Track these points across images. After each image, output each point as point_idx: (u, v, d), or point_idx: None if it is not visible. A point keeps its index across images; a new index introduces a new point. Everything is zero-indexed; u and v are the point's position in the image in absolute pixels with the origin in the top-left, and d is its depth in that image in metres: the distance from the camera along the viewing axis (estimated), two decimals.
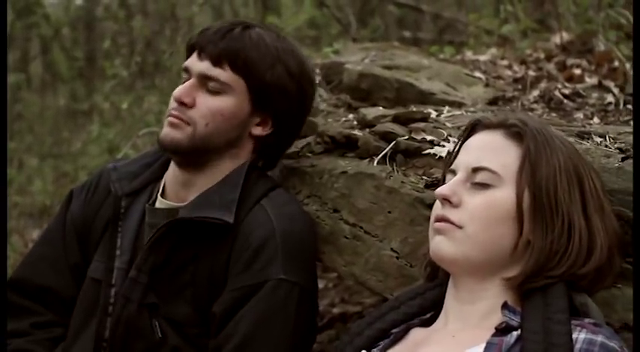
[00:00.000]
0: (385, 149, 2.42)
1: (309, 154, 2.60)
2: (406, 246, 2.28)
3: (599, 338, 1.74)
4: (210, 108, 2.32)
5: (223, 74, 2.32)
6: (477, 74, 3.19)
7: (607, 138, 2.25)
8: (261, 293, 2.23)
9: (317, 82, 2.51)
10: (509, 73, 3.26)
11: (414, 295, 2.01)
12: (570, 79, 3.06)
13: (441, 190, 1.90)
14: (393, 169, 2.38)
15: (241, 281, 2.25)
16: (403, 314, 1.98)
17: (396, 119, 2.53)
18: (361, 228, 2.38)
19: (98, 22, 8.87)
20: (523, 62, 3.39)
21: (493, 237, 1.86)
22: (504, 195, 1.86)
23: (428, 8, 6.97)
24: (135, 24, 8.19)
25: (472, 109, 2.75)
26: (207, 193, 2.33)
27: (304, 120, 2.49)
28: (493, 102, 2.91)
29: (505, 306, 1.84)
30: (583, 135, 2.27)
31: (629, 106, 2.75)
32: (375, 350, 1.94)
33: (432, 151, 2.36)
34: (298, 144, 2.66)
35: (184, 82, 2.35)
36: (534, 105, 2.84)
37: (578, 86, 2.96)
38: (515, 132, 1.90)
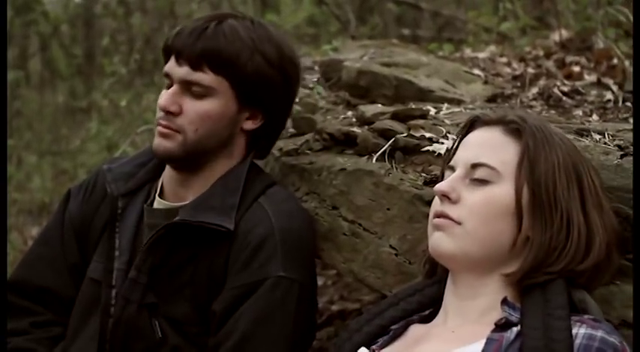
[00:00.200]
0: (384, 146, 2.42)
1: (308, 151, 2.60)
2: (405, 242, 2.28)
3: (599, 333, 1.75)
4: (197, 113, 2.30)
5: (205, 77, 2.29)
6: (476, 71, 3.19)
7: (606, 135, 2.25)
8: (261, 291, 2.23)
9: (301, 63, 2.47)
10: (508, 70, 3.27)
11: (413, 292, 2.01)
12: (569, 76, 3.06)
13: (439, 186, 1.90)
14: (392, 166, 2.38)
15: (241, 279, 2.25)
16: (402, 311, 1.98)
17: (394, 116, 2.53)
18: (360, 225, 2.38)
19: (97, 19, 8.87)
20: (522, 59, 3.39)
21: (492, 233, 1.86)
22: (503, 191, 1.86)
23: (427, 6, 6.96)
24: (134, 21, 8.19)
25: (471, 106, 2.75)
26: (206, 195, 2.33)
27: (292, 103, 2.47)
28: (492, 99, 2.91)
29: (505, 302, 1.85)
30: (582, 133, 2.27)
31: (628, 104, 2.75)
32: (374, 346, 1.95)
33: (430, 148, 2.36)
34: (297, 141, 2.66)
35: (167, 87, 2.34)
36: (533, 103, 2.84)
37: (577, 83, 2.96)
38: (514, 129, 1.91)
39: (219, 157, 2.37)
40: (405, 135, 2.43)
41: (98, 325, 2.36)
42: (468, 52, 3.74)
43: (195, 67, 2.29)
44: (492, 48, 3.81)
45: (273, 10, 6.30)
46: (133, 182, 2.45)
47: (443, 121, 2.52)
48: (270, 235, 2.27)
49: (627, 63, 3.03)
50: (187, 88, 2.30)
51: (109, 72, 6.62)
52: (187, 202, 2.35)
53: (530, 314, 1.79)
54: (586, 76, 3.05)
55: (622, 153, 2.09)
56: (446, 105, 2.73)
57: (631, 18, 3.24)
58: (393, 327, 1.97)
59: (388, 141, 2.43)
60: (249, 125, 2.37)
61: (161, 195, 2.42)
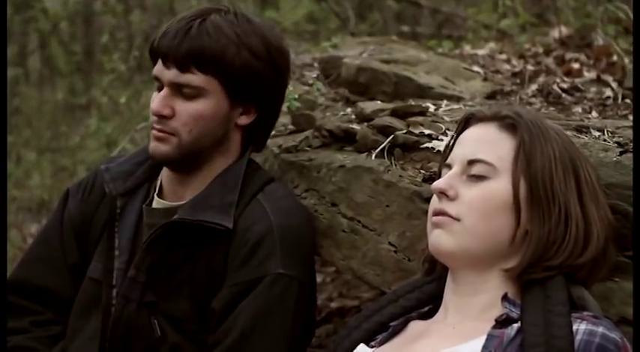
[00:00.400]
0: (383, 143, 2.42)
1: (307, 148, 2.60)
2: (404, 239, 2.28)
3: (600, 329, 1.75)
4: (190, 114, 2.29)
5: (194, 78, 2.28)
6: (476, 68, 3.18)
7: (605, 132, 2.25)
8: (260, 288, 2.23)
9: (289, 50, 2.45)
10: (507, 67, 3.26)
11: (412, 288, 2.01)
12: (569, 73, 3.06)
13: (437, 184, 1.90)
14: (391, 163, 2.38)
15: (240, 276, 2.25)
16: (401, 308, 1.99)
17: (394, 113, 2.53)
18: (359, 221, 2.38)
19: (96, 16, 8.85)
20: (521, 56, 3.39)
21: (491, 229, 1.86)
22: (500, 186, 1.87)
23: (426, 3, 6.96)
24: (133, 18, 8.18)
25: (470, 103, 2.75)
26: (205, 194, 2.33)
27: (285, 93, 2.45)
28: (491, 96, 2.91)
29: (505, 298, 1.85)
30: (581, 129, 2.27)
31: (628, 100, 2.76)
32: (372, 342, 1.95)
33: (430, 145, 2.36)
34: (296, 138, 2.66)
35: (158, 90, 2.33)
36: (533, 100, 2.84)
37: (577, 80, 2.96)
38: (510, 124, 1.91)
39: (215, 155, 2.36)
40: (404, 131, 2.43)
41: (99, 325, 2.36)
42: (467, 48, 3.73)
43: (183, 68, 2.27)
44: (492, 45, 3.81)
45: (272, 6, 6.30)
46: (132, 181, 2.45)
47: (442, 118, 2.53)
48: (268, 232, 2.27)
49: (627, 60, 3.03)
50: (178, 89, 2.29)
51: (109, 69, 6.61)
52: (186, 201, 2.35)
53: (531, 311, 1.79)
54: (585, 73, 3.05)
55: (621, 150, 2.09)
56: (445, 102, 2.73)
57: (630, 15, 3.24)
58: (392, 324, 1.97)
59: (387, 138, 2.43)
60: (243, 120, 2.37)
61: (160, 195, 2.41)
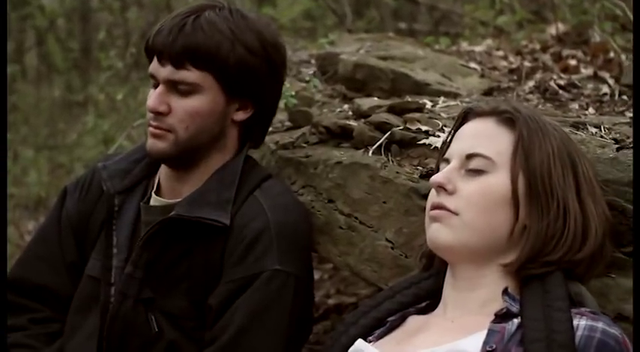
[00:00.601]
0: (380, 139, 2.42)
1: (304, 144, 2.60)
2: (401, 236, 2.28)
3: (600, 325, 1.76)
4: (186, 110, 2.29)
5: (189, 75, 2.28)
6: (473, 65, 3.18)
7: (602, 128, 2.26)
8: (257, 284, 2.23)
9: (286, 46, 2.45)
10: (504, 63, 3.26)
11: (409, 284, 2.02)
12: (566, 69, 3.06)
13: (435, 178, 1.91)
14: (388, 159, 2.38)
15: (237, 273, 2.25)
16: (398, 303, 1.99)
17: (391, 109, 2.53)
18: (356, 218, 2.38)
19: (93, 13, 8.84)
20: (518, 53, 3.39)
21: (489, 223, 1.86)
22: (499, 181, 1.87)
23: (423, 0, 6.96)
24: (130, 15, 8.17)
25: (467, 100, 2.75)
26: (202, 190, 2.33)
27: (281, 88, 2.45)
28: (488, 92, 2.91)
29: (505, 292, 1.85)
30: (578, 126, 2.27)
31: (624, 97, 2.76)
32: (370, 337, 1.95)
33: (427, 141, 2.37)
34: (293, 134, 2.66)
35: (154, 87, 2.33)
36: (530, 96, 2.84)
37: (574, 77, 2.96)
38: (508, 119, 1.91)
39: (212, 151, 2.36)
40: (401, 128, 2.43)
41: (98, 322, 2.36)
42: (464, 45, 3.73)
43: (178, 65, 2.27)
44: (489, 41, 3.81)
45: (269, 3, 6.29)
46: (129, 179, 2.44)
47: (439, 115, 2.53)
48: (265, 229, 2.26)
49: (623, 56, 3.03)
50: (173, 86, 2.29)
51: (106, 66, 6.60)
52: (183, 198, 2.34)
53: (530, 306, 1.80)
54: (582, 70, 3.05)
55: (618, 146, 2.10)
56: (442, 98, 2.73)
57: (627, 11, 3.24)
58: (389, 319, 1.97)
59: (384, 135, 2.43)
60: (240, 116, 2.36)
61: (158, 192, 2.41)
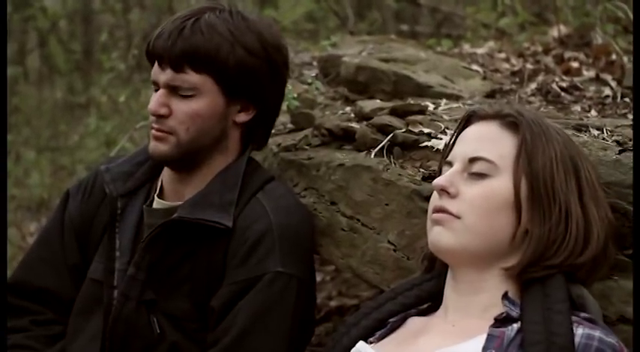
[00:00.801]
0: (382, 141, 2.42)
1: (307, 147, 2.60)
2: (403, 238, 2.28)
3: (597, 333, 1.75)
4: (186, 113, 2.29)
5: (188, 78, 2.28)
6: (475, 67, 3.18)
7: (604, 130, 2.26)
8: (259, 286, 2.23)
9: (288, 47, 2.45)
10: (506, 66, 3.26)
11: (411, 286, 2.01)
12: (568, 72, 3.06)
13: (438, 181, 1.90)
14: (391, 162, 2.38)
15: (239, 275, 2.25)
16: (400, 305, 1.99)
17: (393, 112, 2.53)
18: (358, 220, 2.38)
19: (95, 14, 8.86)
20: (521, 55, 3.39)
21: (491, 227, 1.86)
22: (502, 185, 1.87)
23: (425, 2, 6.96)
24: (132, 17, 8.18)
25: (469, 102, 2.75)
26: (205, 192, 2.33)
27: (284, 89, 2.44)
28: (490, 95, 2.91)
29: (505, 297, 1.85)
30: (580, 128, 2.27)
31: (627, 99, 2.76)
32: (371, 339, 1.95)
33: (429, 144, 2.36)
34: (296, 136, 2.66)
35: (155, 90, 2.33)
36: (532, 98, 2.84)
37: (576, 79, 2.96)
38: (511, 122, 1.91)
39: (215, 153, 2.36)
40: (403, 130, 2.43)
41: (100, 324, 2.36)
42: (466, 47, 3.73)
43: (178, 69, 2.28)
44: (491, 44, 3.81)
45: (271, 5, 6.30)
46: (132, 182, 2.44)
47: (441, 117, 2.53)
48: (268, 231, 2.27)
49: (626, 59, 3.03)
50: (174, 90, 2.30)
51: (108, 68, 6.61)
52: (185, 200, 2.35)
53: (530, 309, 1.79)
54: (584, 72, 3.05)
55: (620, 148, 2.09)
56: (444, 100, 2.73)
57: (629, 14, 3.24)
58: (390, 320, 1.97)
59: (387, 137, 2.43)
60: (242, 117, 2.36)
61: (161, 195, 2.41)
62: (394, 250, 2.30)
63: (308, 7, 5.97)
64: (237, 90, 2.32)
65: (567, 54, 3.27)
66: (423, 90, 2.86)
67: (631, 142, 2.14)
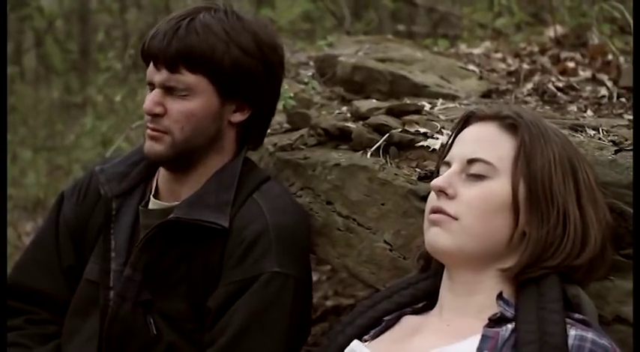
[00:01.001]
0: (379, 141, 2.42)
1: (303, 146, 2.60)
2: (399, 238, 2.28)
3: (590, 335, 1.76)
4: (181, 112, 2.29)
5: (183, 79, 2.28)
6: (471, 67, 3.19)
7: (600, 130, 2.26)
8: (255, 287, 2.23)
9: (284, 47, 2.44)
10: (503, 66, 3.27)
11: (407, 285, 2.01)
12: (564, 72, 3.06)
13: (436, 182, 1.90)
14: (387, 161, 2.38)
15: (235, 275, 2.25)
16: (395, 304, 1.99)
17: (389, 111, 2.53)
18: (354, 220, 2.38)
19: (92, 14, 8.86)
20: (517, 55, 3.39)
21: (489, 229, 1.86)
22: (500, 187, 1.86)
23: (422, 2, 6.97)
24: (129, 17, 8.19)
25: (466, 102, 2.76)
26: (201, 192, 2.32)
27: (280, 89, 2.44)
28: (487, 95, 2.91)
29: (500, 297, 1.85)
30: (576, 128, 2.27)
31: (623, 99, 2.76)
32: (366, 337, 1.95)
33: (425, 144, 2.37)
34: (292, 136, 2.66)
35: (151, 90, 2.33)
36: (528, 98, 2.84)
37: (572, 79, 2.97)
38: (510, 124, 1.91)
39: (210, 153, 2.36)
40: (399, 130, 2.43)
41: (97, 325, 2.36)
42: (462, 47, 3.74)
43: (173, 69, 2.28)
44: (487, 44, 3.81)
45: (268, 5, 6.29)
46: (127, 182, 2.44)
47: (437, 117, 2.53)
48: (264, 231, 2.26)
49: (622, 59, 3.03)
50: (169, 90, 2.29)
51: (104, 67, 6.61)
52: (181, 200, 2.34)
53: (525, 309, 1.79)
54: (581, 72, 3.05)
55: (616, 148, 2.10)
56: (440, 100, 2.73)
57: (626, 14, 3.24)
58: (385, 318, 1.97)
59: (383, 137, 2.43)
60: (237, 117, 2.36)
61: (156, 195, 2.41)
62: (390, 250, 2.30)
63: (304, 7, 5.97)
64: (233, 90, 2.32)
65: (563, 54, 3.28)
66: (420, 90, 2.87)
67: (627, 142, 2.14)
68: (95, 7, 8.72)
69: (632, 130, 2.21)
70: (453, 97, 2.82)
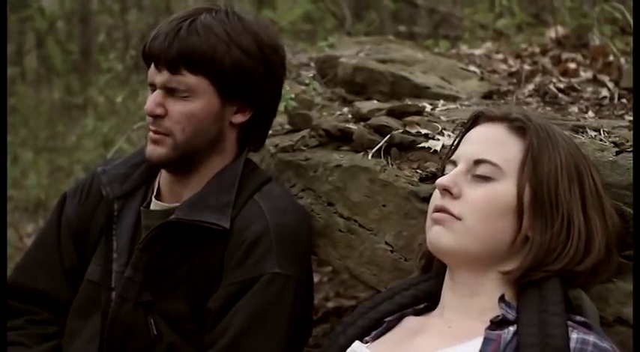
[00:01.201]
0: (380, 142, 2.42)
1: (304, 148, 2.60)
2: (400, 239, 2.28)
3: (591, 338, 1.76)
4: (182, 113, 2.29)
5: (184, 80, 2.28)
6: (472, 68, 3.19)
7: (601, 132, 2.26)
8: (256, 287, 2.23)
9: (285, 48, 2.45)
10: (504, 67, 3.27)
11: (408, 286, 2.01)
12: (565, 73, 3.06)
13: (441, 181, 1.89)
14: (388, 163, 2.38)
15: (236, 276, 2.25)
16: (397, 305, 1.98)
17: (390, 113, 2.53)
18: (355, 221, 2.38)
19: (93, 15, 8.86)
20: (518, 56, 3.39)
21: (492, 231, 1.85)
22: (505, 189, 1.86)
23: (423, 2, 6.98)
24: (130, 18, 8.19)
25: (467, 103, 2.76)
26: (202, 193, 2.32)
27: (281, 90, 2.44)
28: (488, 96, 2.91)
29: (502, 300, 1.84)
30: (578, 129, 2.27)
31: (624, 100, 2.76)
32: (367, 338, 1.95)
33: (426, 145, 2.37)
34: (293, 137, 2.66)
35: (152, 92, 2.33)
36: (529, 99, 2.84)
37: (573, 80, 2.97)
38: (519, 127, 1.90)
39: (212, 155, 2.36)
40: (400, 131, 2.43)
41: (98, 326, 2.36)
42: (464, 48, 3.74)
43: (174, 71, 2.27)
44: (488, 44, 3.81)
45: (269, 6, 6.30)
46: (129, 184, 2.44)
47: (439, 118, 2.53)
48: (265, 232, 2.26)
49: (623, 60, 3.03)
50: (170, 91, 2.29)
51: (105, 68, 6.61)
52: (182, 201, 2.34)
53: (526, 312, 1.79)
54: (582, 73, 3.05)
55: (617, 149, 2.09)
56: (442, 101, 2.73)
57: (627, 15, 3.24)
58: (387, 319, 1.97)
59: (384, 138, 2.43)
60: (238, 119, 2.36)
61: (158, 196, 2.41)
62: (391, 251, 2.30)
63: (306, 8, 5.98)
64: (234, 92, 2.32)
65: (565, 55, 3.28)
66: (421, 91, 2.87)
67: (628, 143, 2.14)
68: (96, 8, 8.72)
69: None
70: (454, 98, 2.82)
